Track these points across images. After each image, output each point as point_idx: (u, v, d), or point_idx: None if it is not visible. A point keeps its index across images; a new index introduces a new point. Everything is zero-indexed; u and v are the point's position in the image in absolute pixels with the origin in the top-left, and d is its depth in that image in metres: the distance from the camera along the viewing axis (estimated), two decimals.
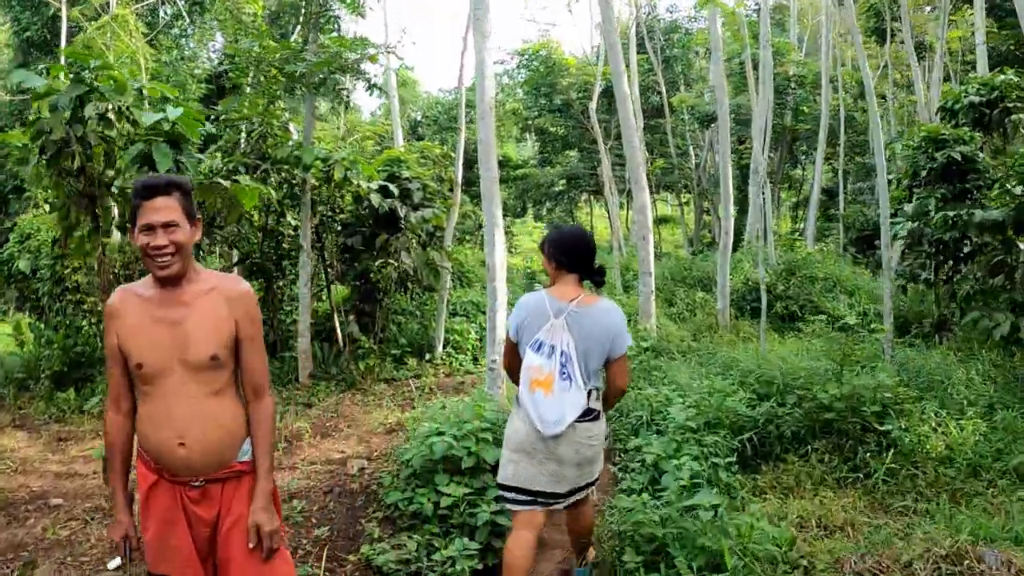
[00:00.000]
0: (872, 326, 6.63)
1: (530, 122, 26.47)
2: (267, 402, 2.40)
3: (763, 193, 13.02)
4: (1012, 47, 16.98)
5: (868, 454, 4.99)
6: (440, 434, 4.10)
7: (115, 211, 5.05)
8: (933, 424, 5.47)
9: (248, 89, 9.31)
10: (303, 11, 8.57)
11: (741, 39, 17.85)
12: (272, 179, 8.72)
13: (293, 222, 9.33)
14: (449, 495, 3.84)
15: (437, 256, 9.35)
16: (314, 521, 4.36)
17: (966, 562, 3.14)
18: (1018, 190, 7.04)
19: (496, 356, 5.39)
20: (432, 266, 9.16)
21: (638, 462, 4.47)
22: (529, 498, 3.16)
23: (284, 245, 9.56)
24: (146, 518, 2.33)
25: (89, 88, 4.43)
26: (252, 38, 7.85)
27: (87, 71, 4.43)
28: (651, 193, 11.58)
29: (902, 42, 20.26)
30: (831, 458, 5.01)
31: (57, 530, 4.54)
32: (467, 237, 20.21)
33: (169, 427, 2.23)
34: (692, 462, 3.93)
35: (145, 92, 5.10)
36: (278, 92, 8.63)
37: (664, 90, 23.27)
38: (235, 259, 9.82)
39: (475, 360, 9.61)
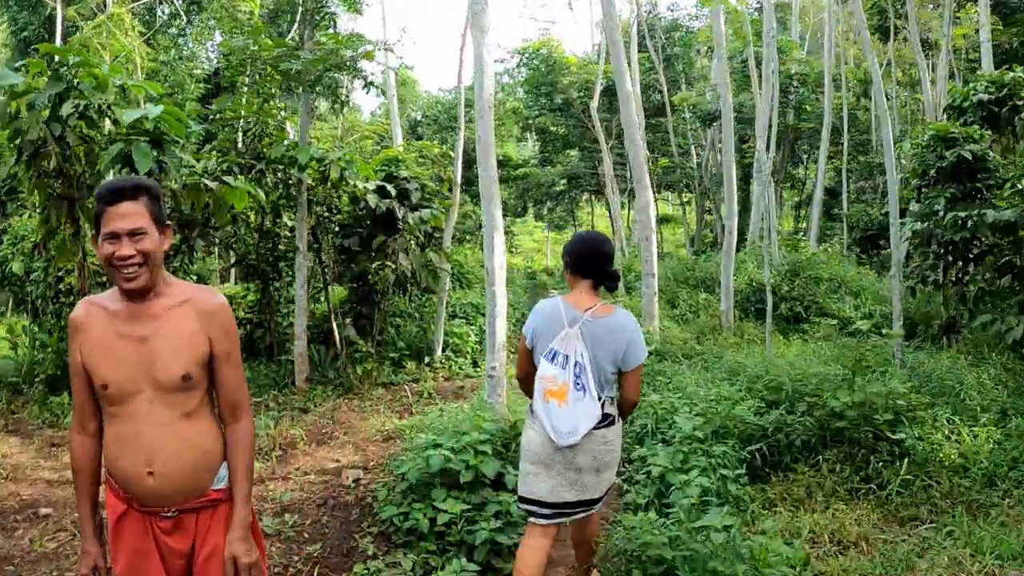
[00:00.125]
0: (884, 331, 6.45)
1: (531, 121, 26.31)
2: (245, 423, 2.22)
3: (767, 192, 12.82)
4: (1018, 44, 16.80)
5: (881, 464, 4.84)
6: (437, 446, 3.93)
7: None
8: (946, 432, 5.32)
9: (245, 88, 9.14)
10: (300, 8, 8.40)
11: (744, 37, 17.68)
12: (268, 179, 8.57)
13: (289, 223, 9.17)
14: (446, 511, 3.66)
15: (436, 257, 9.17)
16: (306, 536, 4.19)
17: None
18: None
19: (496, 363, 5.21)
20: (430, 267, 8.99)
21: (643, 474, 4.30)
22: (552, 511, 3.12)
23: (280, 247, 9.40)
24: (116, 549, 2.15)
25: (68, 86, 4.25)
26: (247, 35, 7.68)
27: (65, 67, 4.24)
28: (653, 192, 11.37)
29: (905, 39, 20.13)
30: (842, 468, 4.85)
31: (44, 542, 4.39)
32: (467, 237, 20.05)
33: (137, 453, 2.05)
34: (701, 477, 3.75)
35: (129, 90, 4.90)
36: (274, 91, 8.47)
37: (665, 88, 23.10)
38: (232, 260, 9.70)
39: (475, 364, 9.43)
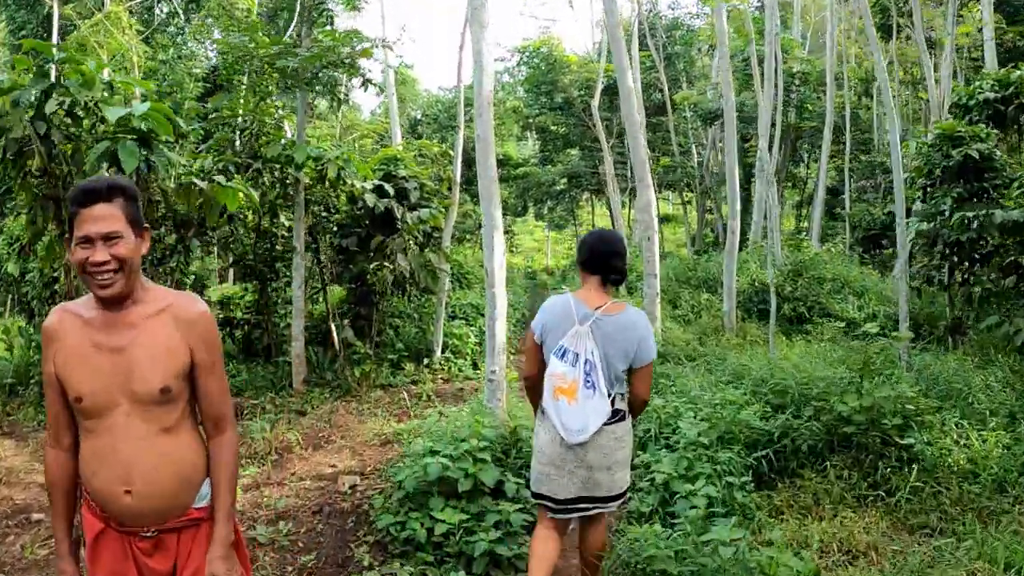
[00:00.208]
0: (894, 333, 6.34)
1: (531, 120, 26.20)
2: (229, 436, 2.10)
3: (770, 191, 12.71)
4: (1022, 43, 16.69)
5: (889, 470, 4.73)
6: (435, 453, 3.81)
7: None
8: (954, 436, 5.22)
9: (244, 87, 9.03)
10: (298, 5, 8.28)
11: (746, 35, 17.57)
12: (265, 179, 8.46)
13: (287, 223, 9.05)
14: (444, 522, 3.54)
15: (435, 257, 9.05)
16: (301, 545, 4.07)
17: None
18: None
19: (495, 367, 5.09)
20: (429, 268, 8.87)
21: (647, 481, 4.18)
22: (561, 507, 3.15)
23: (278, 247, 9.29)
24: (94, 570, 2.03)
25: (54, 82, 4.12)
26: (243, 32, 7.56)
27: (51, 64, 4.12)
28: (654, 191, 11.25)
29: (908, 38, 19.99)
30: (850, 474, 4.75)
31: (36, 549, 4.30)
32: (467, 237, 19.92)
33: (113, 470, 1.93)
34: (708, 486, 3.63)
35: (119, 87, 4.76)
36: (270, 88, 8.35)
37: (666, 87, 22.98)
38: (229, 261, 9.60)
39: (475, 365, 9.32)
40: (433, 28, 57.01)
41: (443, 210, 9.20)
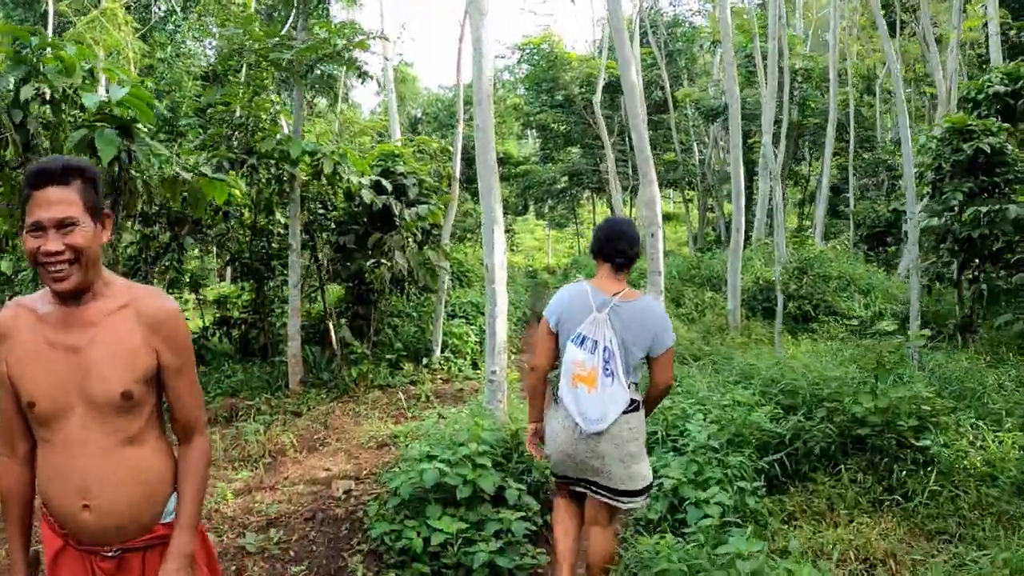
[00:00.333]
0: (913, 332, 6.16)
1: (531, 118, 26.01)
2: (198, 444, 1.91)
3: (774, 188, 12.53)
4: None
5: (905, 473, 4.56)
6: (431, 458, 3.61)
7: None
8: (970, 438, 5.04)
9: (242, 84, 8.82)
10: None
11: (749, 30, 17.38)
12: (261, 175, 8.28)
13: (283, 220, 8.87)
14: (441, 531, 3.34)
15: (434, 255, 8.86)
16: (292, 554, 3.89)
17: None
18: None
19: (496, 367, 4.90)
20: (428, 265, 8.68)
21: (655, 486, 3.99)
22: (578, 484, 3.17)
23: (274, 245, 9.11)
24: None
25: (32, 69, 3.93)
26: (237, 25, 7.37)
27: (28, 50, 3.93)
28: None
29: (913, 34, 19.79)
30: (865, 477, 4.57)
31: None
32: (468, 236, 19.75)
33: (70, 484, 1.74)
34: (721, 494, 3.44)
35: (100, 74, 4.55)
36: (266, 82, 8.17)
37: (668, 84, 22.79)
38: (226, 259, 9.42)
39: (475, 365, 9.13)
40: (433, 27, 56.78)
41: (442, 206, 9.01)
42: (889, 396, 4.62)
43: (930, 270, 8.88)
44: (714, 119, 22.11)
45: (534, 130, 28.78)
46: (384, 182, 8.32)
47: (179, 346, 1.84)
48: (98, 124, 4.03)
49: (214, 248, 10.19)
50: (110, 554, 1.80)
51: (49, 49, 4.01)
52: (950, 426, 5.01)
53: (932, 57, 13.96)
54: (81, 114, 4.17)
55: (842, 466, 4.60)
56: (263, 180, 8.35)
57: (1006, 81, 9.25)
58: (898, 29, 19.18)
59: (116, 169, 4.13)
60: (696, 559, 2.79)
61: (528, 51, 23.87)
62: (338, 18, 12.96)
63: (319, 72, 7.37)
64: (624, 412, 3.01)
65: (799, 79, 20.48)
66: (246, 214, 8.93)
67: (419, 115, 31.94)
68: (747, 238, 15.71)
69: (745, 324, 10.28)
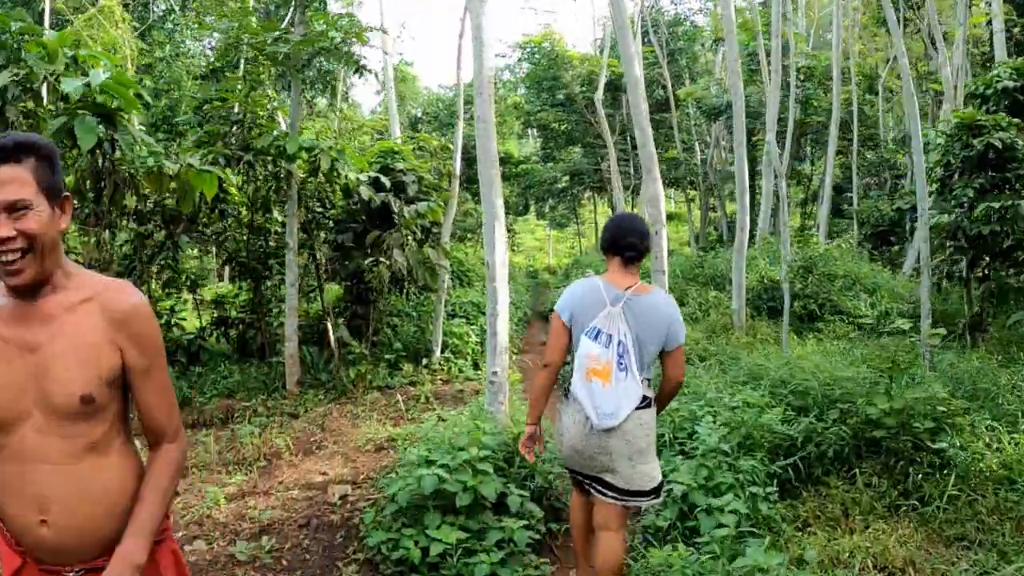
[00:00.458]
0: (931, 331, 6.01)
1: (532, 118, 25.85)
2: (168, 449, 1.74)
3: (778, 186, 12.37)
4: None
5: (921, 476, 4.39)
6: (430, 463, 3.45)
7: None
8: (986, 440, 4.89)
9: (240, 81, 8.67)
10: None
11: (752, 28, 17.23)
12: (258, 172, 8.12)
13: (280, 218, 8.72)
14: (440, 541, 3.17)
15: (434, 253, 8.69)
16: (284, 563, 3.73)
17: None
18: None
19: (497, 368, 4.74)
20: (428, 264, 8.52)
21: (664, 492, 3.83)
22: (586, 480, 3.16)
23: (271, 243, 8.96)
24: None
25: (11, 55, 3.75)
26: (233, 18, 7.21)
27: (8, 35, 3.75)
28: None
29: (917, 31, 19.64)
30: (879, 481, 4.41)
31: None
32: (468, 235, 19.59)
33: (25, 497, 1.57)
34: (736, 501, 3.28)
35: (82, 61, 4.36)
36: (263, 77, 8.02)
37: (669, 83, 22.64)
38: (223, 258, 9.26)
39: (475, 366, 8.96)
40: (433, 27, 56.66)
41: (442, 204, 8.85)
42: (905, 397, 4.46)
43: (939, 268, 8.72)
44: (716, 118, 21.96)
45: (535, 129, 28.64)
46: (383, 179, 8.17)
47: (147, 345, 1.66)
48: (79, 112, 3.85)
49: (213, 248, 10.06)
50: (72, 574, 1.63)
51: (30, 35, 3.84)
52: (965, 428, 4.85)
53: (939, 54, 13.80)
54: (64, 103, 3.99)
55: (856, 470, 4.44)
56: (260, 177, 8.21)
57: (1015, 76, 9.09)
58: (901, 27, 19.04)
59: (99, 160, 3.96)
60: (712, 572, 2.63)
61: (529, 50, 23.74)
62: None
63: (317, 68, 7.19)
64: (637, 408, 2.97)
65: (801, 77, 20.33)
66: (243, 212, 8.78)
67: (419, 114, 31.75)
68: (751, 237, 15.56)
69: (750, 323, 10.12)
